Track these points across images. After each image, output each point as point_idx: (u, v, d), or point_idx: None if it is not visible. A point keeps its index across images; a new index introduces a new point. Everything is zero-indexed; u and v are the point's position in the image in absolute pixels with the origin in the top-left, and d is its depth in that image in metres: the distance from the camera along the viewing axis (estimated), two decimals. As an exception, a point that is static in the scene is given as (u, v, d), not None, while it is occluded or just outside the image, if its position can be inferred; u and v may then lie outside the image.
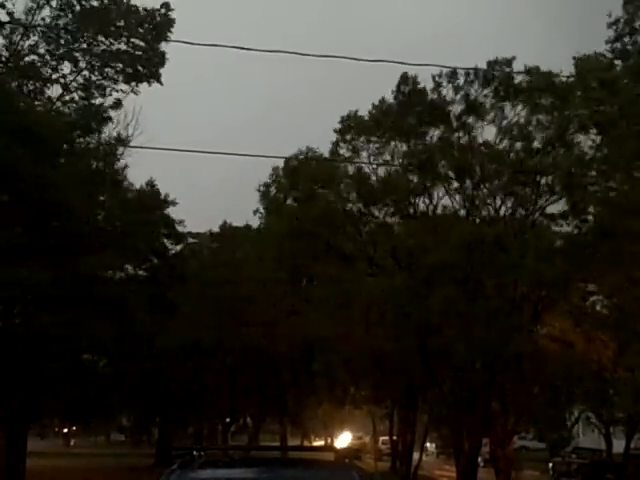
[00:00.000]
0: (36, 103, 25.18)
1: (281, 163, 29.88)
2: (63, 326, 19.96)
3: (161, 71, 28.47)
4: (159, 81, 28.57)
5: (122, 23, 27.61)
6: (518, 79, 25.07)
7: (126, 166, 27.20)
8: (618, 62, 23.07)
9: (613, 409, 42.33)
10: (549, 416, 39.47)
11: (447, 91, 25.84)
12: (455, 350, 23.27)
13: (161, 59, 28.36)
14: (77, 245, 21.03)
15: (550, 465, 45.32)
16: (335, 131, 27.23)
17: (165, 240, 31.02)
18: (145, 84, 28.37)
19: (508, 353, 23.56)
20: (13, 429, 24.28)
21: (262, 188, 31.85)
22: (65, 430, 68.08)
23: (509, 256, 23.17)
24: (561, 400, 38.27)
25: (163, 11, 27.98)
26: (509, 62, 24.96)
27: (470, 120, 25.76)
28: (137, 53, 27.92)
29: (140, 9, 27.70)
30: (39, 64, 26.68)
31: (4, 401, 22.09)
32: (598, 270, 26.45)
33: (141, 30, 27.87)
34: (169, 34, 27.98)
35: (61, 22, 26.53)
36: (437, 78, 25.41)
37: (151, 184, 29.46)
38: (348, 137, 26.86)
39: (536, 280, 23.05)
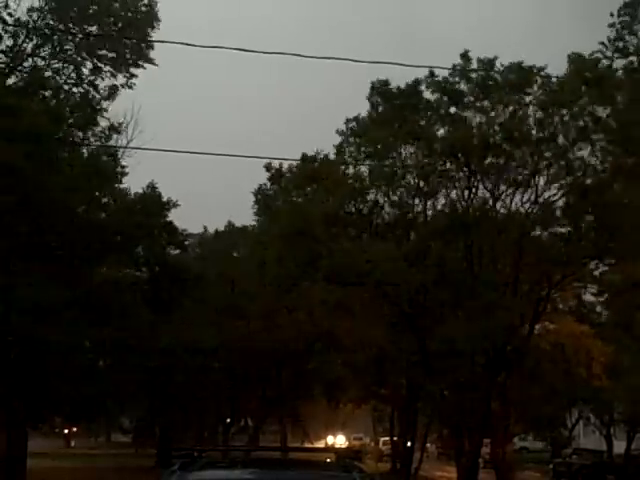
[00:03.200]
0: (33, 103, 25.13)
1: (282, 164, 29.72)
2: (64, 328, 20.03)
3: (152, 55, 28.23)
4: (151, 63, 28.21)
5: (98, 8, 27.34)
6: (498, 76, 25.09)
7: (123, 168, 27.15)
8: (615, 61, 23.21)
9: (613, 410, 42.43)
10: (548, 416, 39.57)
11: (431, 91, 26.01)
12: (454, 339, 23.26)
13: (149, 44, 28.04)
14: (78, 249, 21.03)
15: (551, 466, 45.34)
16: (338, 132, 27.21)
17: (166, 246, 30.86)
18: (140, 77, 28.22)
19: (508, 347, 23.63)
20: (14, 430, 24.30)
21: (261, 188, 31.86)
22: (66, 431, 68.15)
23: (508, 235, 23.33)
24: (561, 400, 38.39)
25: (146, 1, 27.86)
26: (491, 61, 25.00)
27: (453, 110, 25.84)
28: (124, 40, 27.68)
29: None
30: (40, 65, 26.70)
31: (6, 402, 22.08)
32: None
33: (124, 15, 27.67)
34: (155, 24, 27.86)
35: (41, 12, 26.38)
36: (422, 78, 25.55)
37: (152, 187, 29.26)
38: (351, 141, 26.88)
39: (539, 257, 23.11)
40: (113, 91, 27.65)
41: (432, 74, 25.23)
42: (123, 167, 26.28)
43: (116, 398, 28.23)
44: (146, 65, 28.15)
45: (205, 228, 46.49)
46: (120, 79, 27.96)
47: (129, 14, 27.66)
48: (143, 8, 27.72)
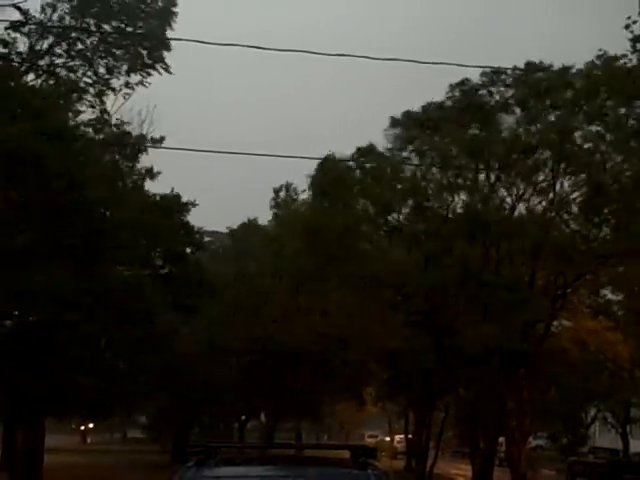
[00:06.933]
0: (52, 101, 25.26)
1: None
2: (83, 324, 20.19)
3: (168, 58, 28.24)
4: (167, 68, 28.21)
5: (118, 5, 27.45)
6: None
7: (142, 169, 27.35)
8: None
9: (630, 408, 42.25)
10: (565, 415, 39.33)
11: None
12: (469, 345, 23.24)
13: (166, 44, 28.00)
14: (97, 245, 21.13)
15: (567, 465, 45.14)
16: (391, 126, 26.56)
17: (184, 245, 30.88)
18: (155, 76, 28.30)
19: (525, 345, 23.51)
20: (32, 426, 24.46)
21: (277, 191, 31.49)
22: (82, 427, 68.57)
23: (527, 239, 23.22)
24: (577, 399, 38.20)
25: None
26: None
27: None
28: (140, 39, 27.77)
29: None
30: (56, 64, 26.86)
31: (24, 398, 22.21)
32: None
33: (142, 14, 27.74)
34: (173, 21, 27.85)
35: (60, 9, 26.53)
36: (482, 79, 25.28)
37: (171, 189, 29.36)
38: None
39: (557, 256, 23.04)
40: (129, 91, 27.89)
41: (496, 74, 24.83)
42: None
43: (134, 395, 28.33)
44: (162, 65, 28.35)
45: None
46: (134, 78, 28.16)
47: (145, 9, 27.76)
48: (160, 3, 27.80)
